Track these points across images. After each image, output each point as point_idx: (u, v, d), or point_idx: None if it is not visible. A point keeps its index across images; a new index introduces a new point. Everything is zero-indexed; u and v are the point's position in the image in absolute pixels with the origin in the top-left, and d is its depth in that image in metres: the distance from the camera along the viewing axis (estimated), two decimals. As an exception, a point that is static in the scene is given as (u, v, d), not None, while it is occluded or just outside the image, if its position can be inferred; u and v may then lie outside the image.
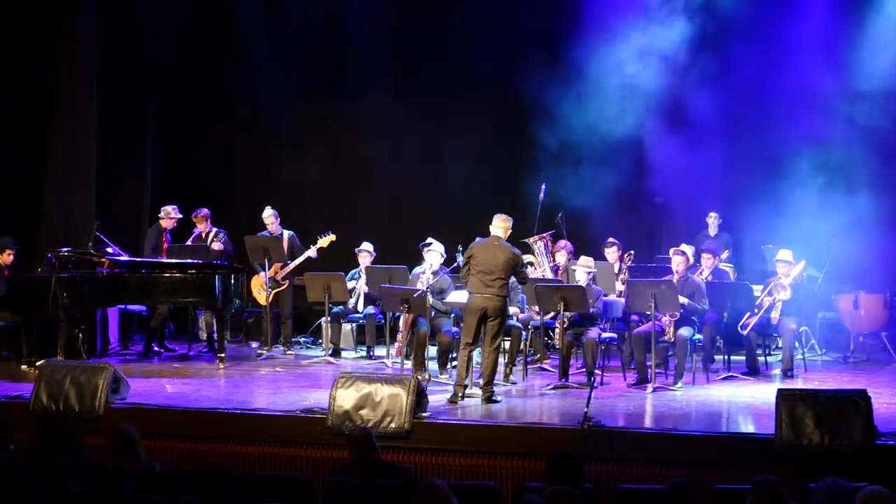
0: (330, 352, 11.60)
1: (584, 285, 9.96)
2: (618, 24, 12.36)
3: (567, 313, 9.85)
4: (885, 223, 11.58)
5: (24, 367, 10.55)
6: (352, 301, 11.96)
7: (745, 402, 9.19)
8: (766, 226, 12.32)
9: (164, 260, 11.60)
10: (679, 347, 9.79)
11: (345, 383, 8.21)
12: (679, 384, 9.71)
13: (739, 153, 12.53)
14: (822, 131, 11.79)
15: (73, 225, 13.11)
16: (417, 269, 10.87)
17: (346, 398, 8.12)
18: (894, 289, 11.68)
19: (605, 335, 10.12)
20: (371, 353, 11.83)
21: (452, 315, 10.34)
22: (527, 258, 11.18)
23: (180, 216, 12.27)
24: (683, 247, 10.66)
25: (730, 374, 10.33)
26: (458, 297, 9.77)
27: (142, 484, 5.71)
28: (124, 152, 14.12)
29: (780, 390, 7.65)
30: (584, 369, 10.06)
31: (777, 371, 10.70)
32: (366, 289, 11.87)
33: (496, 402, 8.93)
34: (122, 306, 12.01)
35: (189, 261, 11.29)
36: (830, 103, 11.81)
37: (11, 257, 11.50)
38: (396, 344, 10.84)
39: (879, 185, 11.62)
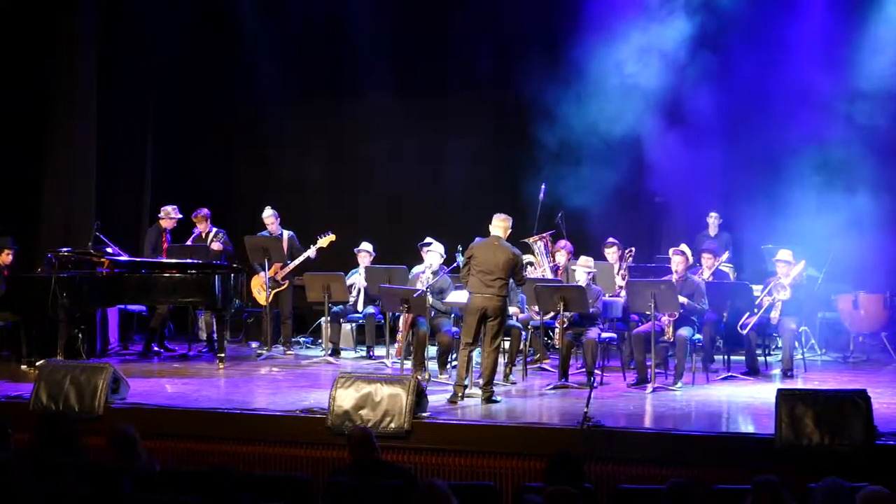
0: (330, 352, 11.60)
1: (583, 285, 9.96)
2: (618, 23, 12.36)
3: (567, 313, 9.85)
4: (884, 223, 11.57)
5: (23, 367, 10.55)
6: (352, 296, 11.95)
7: (744, 402, 9.19)
8: (766, 226, 12.32)
9: (164, 260, 11.60)
10: (679, 347, 9.79)
11: (344, 383, 8.21)
12: (679, 384, 9.71)
13: (739, 153, 12.53)
14: (822, 131, 11.79)
15: (73, 225, 13.11)
16: (416, 269, 10.87)
17: (346, 398, 8.12)
18: (894, 289, 11.68)
19: (604, 335, 10.12)
20: (371, 353, 11.83)
21: (452, 315, 10.34)
22: (527, 258, 11.19)
23: (180, 216, 12.27)
24: (683, 247, 10.66)
25: (729, 374, 10.33)
26: (458, 297, 9.77)
27: (142, 484, 5.71)
28: (124, 152, 14.12)
29: (779, 390, 7.65)
30: (583, 369, 10.06)
31: (777, 371, 10.71)
32: (364, 283, 11.87)
33: (496, 402, 8.93)
34: (122, 306, 12.01)
35: (189, 261, 11.29)
36: (830, 103, 11.81)
37: (11, 257, 11.51)
38: (396, 344, 10.84)
39: (879, 185, 11.61)
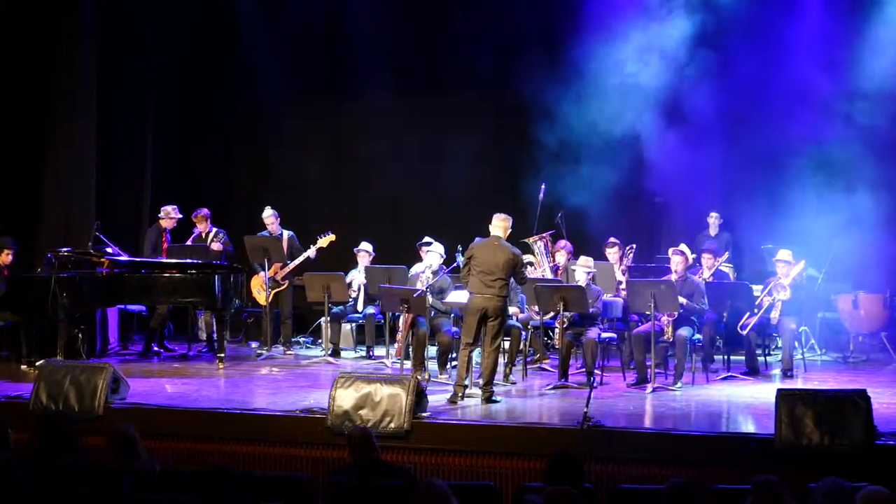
0: (329, 352, 11.60)
1: (583, 285, 9.96)
2: (617, 23, 12.36)
3: (567, 313, 9.85)
4: (884, 223, 11.57)
5: (23, 367, 10.55)
6: (353, 291, 11.94)
7: (744, 402, 9.19)
8: (766, 225, 12.33)
9: (164, 260, 11.60)
10: (679, 347, 9.79)
11: (344, 383, 8.21)
12: (679, 384, 9.71)
13: (739, 153, 12.52)
14: (822, 131, 11.78)
15: (73, 225, 13.10)
16: (415, 269, 10.87)
17: (346, 398, 8.12)
18: (894, 289, 11.68)
19: (604, 335, 10.12)
20: (371, 353, 11.83)
21: (452, 315, 10.34)
22: (526, 258, 11.18)
23: (180, 216, 12.27)
24: (682, 247, 10.66)
25: (729, 374, 10.33)
26: (458, 296, 9.77)
27: (142, 484, 5.71)
28: (124, 152, 14.11)
29: (779, 390, 7.65)
30: (583, 369, 10.06)
31: (777, 371, 10.71)
32: (363, 280, 11.87)
33: (496, 402, 8.93)
34: (122, 306, 12.01)
35: (189, 261, 11.29)
36: (830, 103, 11.80)
37: (11, 257, 11.51)
38: (396, 344, 10.85)
39: (880, 185, 11.61)
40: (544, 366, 10.98)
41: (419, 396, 8.15)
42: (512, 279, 9.24)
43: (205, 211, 12.32)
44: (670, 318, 9.84)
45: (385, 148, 14.05)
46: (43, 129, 13.35)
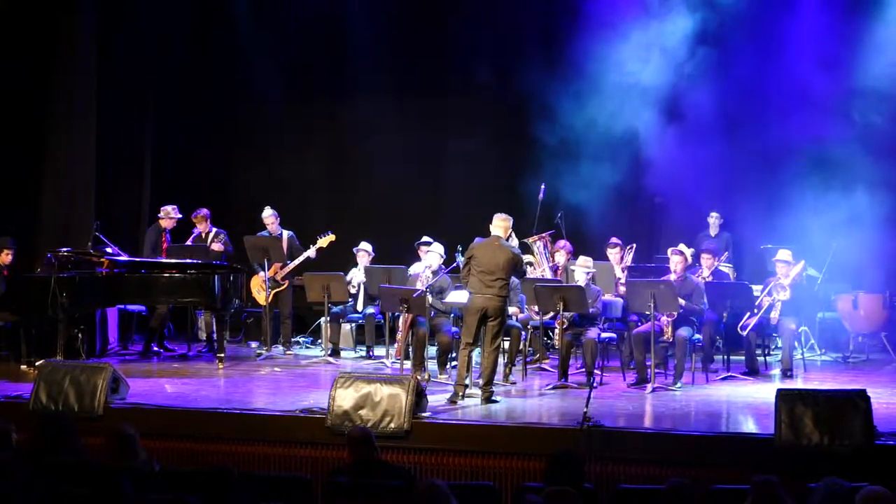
0: (329, 352, 11.60)
1: (583, 285, 9.96)
2: (617, 21, 12.35)
3: (566, 313, 9.85)
4: (884, 223, 11.57)
5: (23, 367, 10.56)
6: (352, 288, 11.93)
7: (744, 402, 9.19)
8: (766, 225, 12.34)
9: (164, 260, 11.59)
10: (678, 347, 9.79)
11: (344, 383, 8.21)
12: (678, 384, 9.71)
13: (739, 152, 12.52)
14: (822, 130, 11.78)
15: (73, 225, 13.10)
16: (414, 269, 10.87)
17: (346, 398, 8.12)
18: (893, 289, 11.68)
19: (604, 335, 10.13)
20: (370, 353, 11.83)
21: (452, 315, 10.34)
22: (526, 258, 11.18)
23: (180, 216, 12.27)
24: (681, 247, 10.66)
25: (729, 374, 10.33)
26: (458, 296, 9.77)
27: (142, 484, 5.71)
28: (124, 152, 14.11)
29: (779, 390, 7.66)
30: (583, 369, 10.06)
31: (776, 371, 10.71)
32: (363, 278, 11.87)
33: (496, 402, 8.93)
34: (122, 306, 12.00)
35: (188, 261, 11.29)
36: (830, 102, 11.79)
37: (10, 257, 11.51)
38: (396, 344, 10.85)
39: (880, 184, 11.61)
40: (544, 366, 10.99)
41: (419, 396, 8.15)
42: (513, 278, 9.26)
43: (205, 211, 12.32)
44: (670, 319, 9.85)
45: (385, 148, 14.03)
46: (43, 129, 13.35)
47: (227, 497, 5.46)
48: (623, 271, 11.34)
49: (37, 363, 10.06)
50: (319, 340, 12.53)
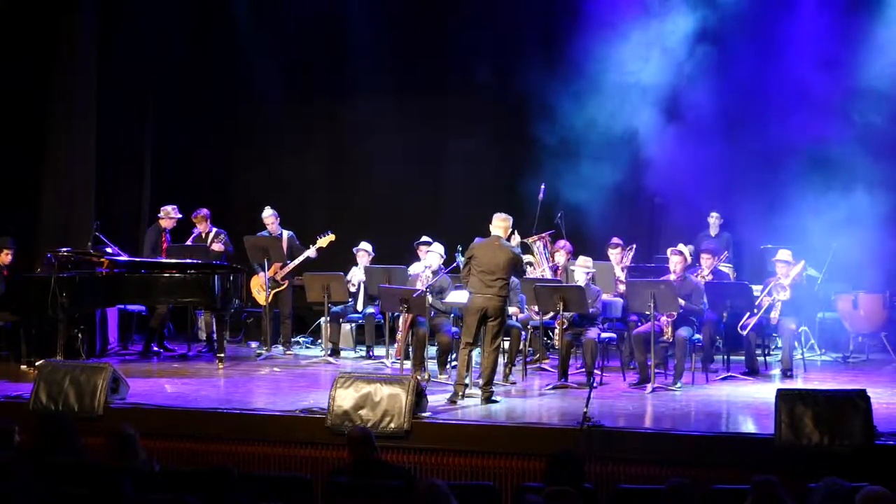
0: (329, 352, 11.60)
1: (583, 285, 9.96)
2: (617, 21, 12.35)
3: (566, 313, 9.85)
4: (884, 222, 11.57)
5: (23, 367, 10.56)
6: (352, 286, 11.92)
7: (744, 402, 9.19)
8: (766, 225, 12.34)
9: (164, 260, 11.60)
10: (678, 347, 9.79)
11: (344, 383, 8.21)
12: (678, 384, 9.71)
13: (739, 152, 12.52)
14: (823, 129, 11.78)
15: (73, 225, 13.10)
16: (413, 269, 10.86)
17: (346, 398, 8.12)
18: (893, 289, 11.68)
19: (604, 335, 10.13)
20: (370, 353, 11.83)
21: (452, 315, 10.34)
22: (526, 258, 11.19)
23: (180, 216, 12.27)
24: (680, 247, 10.66)
25: (729, 374, 10.33)
26: (458, 296, 9.77)
27: (142, 484, 5.71)
28: (124, 152, 14.11)
29: (779, 390, 7.66)
30: (583, 369, 10.06)
31: (776, 371, 10.71)
32: (362, 277, 11.87)
33: (496, 402, 8.93)
34: (122, 306, 12.00)
35: (188, 261, 11.29)
36: (830, 101, 11.79)
37: (10, 257, 11.51)
38: (396, 344, 10.85)
39: (879, 184, 11.61)
40: (544, 366, 10.99)
41: (419, 396, 8.15)
42: (513, 278, 9.26)
43: (205, 211, 12.32)
44: (669, 319, 9.85)
45: (385, 148, 14.03)
46: (43, 129, 13.35)
47: (227, 497, 5.46)
48: (623, 271, 11.35)
49: (37, 363, 10.06)
50: (319, 340, 12.53)
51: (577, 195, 12.24)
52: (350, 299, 11.96)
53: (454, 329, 10.10)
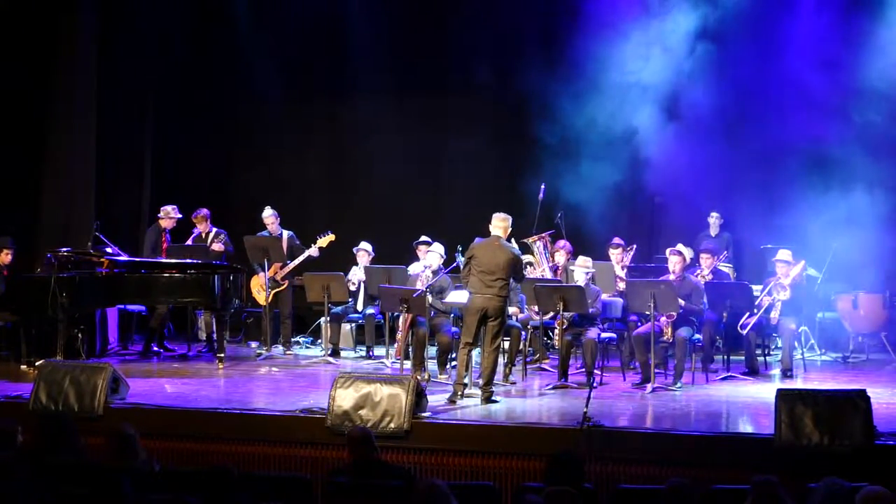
0: (329, 352, 11.60)
1: (582, 285, 9.96)
2: (617, 21, 12.36)
3: (566, 313, 9.85)
4: (884, 222, 11.57)
5: (23, 367, 10.56)
6: (352, 284, 11.91)
7: (744, 402, 9.19)
8: (766, 224, 12.33)
9: (164, 260, 11.60)
10: (678, 347, 9.80)
11: (344, 383, 8.21)
12: (678, 384, 9.71)
13: (739, 152, 12.53)
14: (822, 129, 11.78)
15: (73, 225, 13.10)
16: (413, 268, 10.86)
17: (346, 398, 8.12)
18: (893, 289, 11.68)
19: (604, 335, 10.13)
20: (370, 353, 11.83)
21: (452, 315, 10.35)
22: (526, 258, 11.19)
23: (180, 216, 12.27)
24: (680, 247, 10.66)
25: (729, 374, 10.33)
26: (458, 296, 9.77)
27: (142, 484, 5.71)
28: (124, 152, 14.11)
29: (779, 390, 7.66)
30: (583, 369, 10.07)
31: (776, 371, 10.71)
32: (362, 276, 11.87)
33: (495, 402, 8.93)
34: (122, 306, 12.00)
35: (188, 261, 11.29)
36: (830, 101, 11.78)
37: (10, 257, 11.51)
38: (396, 344, 10.85)
39: (879, 185, 11.61)
40: (544, 366, 10.99)
41: (419, 396, 8.15)
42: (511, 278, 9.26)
43: (205, 211, 12.32)
44: (669, 319, 9.84)
45: (385, 148, 14.03)
46: (43, 129, 13.35)
47: (227, 497, 5.46)
48: (623, 270, 11.35)
49: (37, 363, 10.06)
50: (319, 340, 12.53)
51: (577, 195, 12.24)
52: (350, 299, 11.96)
53: (454, 329, 10.10)
